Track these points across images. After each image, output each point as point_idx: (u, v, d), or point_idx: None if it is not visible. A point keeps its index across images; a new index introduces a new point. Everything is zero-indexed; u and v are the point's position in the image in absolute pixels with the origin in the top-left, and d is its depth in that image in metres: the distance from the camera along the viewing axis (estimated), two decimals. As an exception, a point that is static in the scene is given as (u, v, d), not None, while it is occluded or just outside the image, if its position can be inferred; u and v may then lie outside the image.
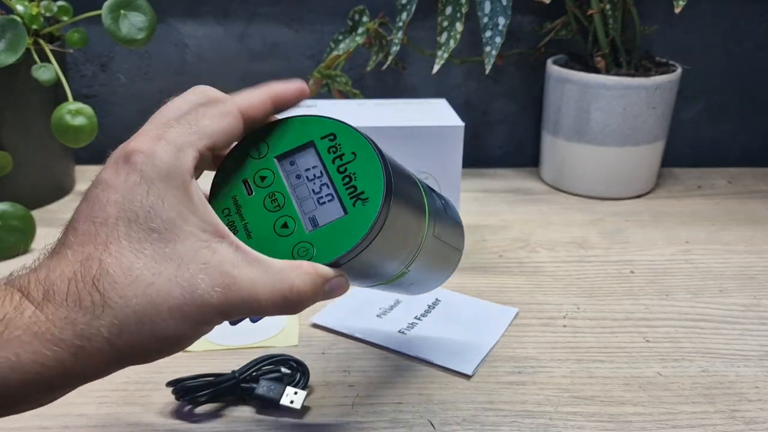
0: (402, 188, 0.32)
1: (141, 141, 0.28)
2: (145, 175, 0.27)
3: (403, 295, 0.51)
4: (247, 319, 0.33)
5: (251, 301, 0.28)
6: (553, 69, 0.78)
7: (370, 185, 0.30)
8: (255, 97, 0.30)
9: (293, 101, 0.32)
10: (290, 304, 0.28)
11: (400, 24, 0.76)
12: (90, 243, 0.26)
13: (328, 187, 0.30)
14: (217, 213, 0.29)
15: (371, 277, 0.34)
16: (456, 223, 0.42)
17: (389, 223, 0.30)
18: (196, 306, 0.26)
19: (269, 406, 0.43)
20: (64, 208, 0.74)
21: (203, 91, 0.31)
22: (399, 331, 0.52)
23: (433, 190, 0.39)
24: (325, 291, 0.29)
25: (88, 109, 0.67)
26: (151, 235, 0.26)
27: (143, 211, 0.26)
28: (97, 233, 0.26)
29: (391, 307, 0.55)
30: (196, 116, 0.29)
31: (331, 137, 0.31)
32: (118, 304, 0.25)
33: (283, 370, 0.45)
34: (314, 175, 0.31)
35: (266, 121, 0.32)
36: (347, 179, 0.30)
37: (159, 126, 0.28)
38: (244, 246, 0.28)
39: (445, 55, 0.74)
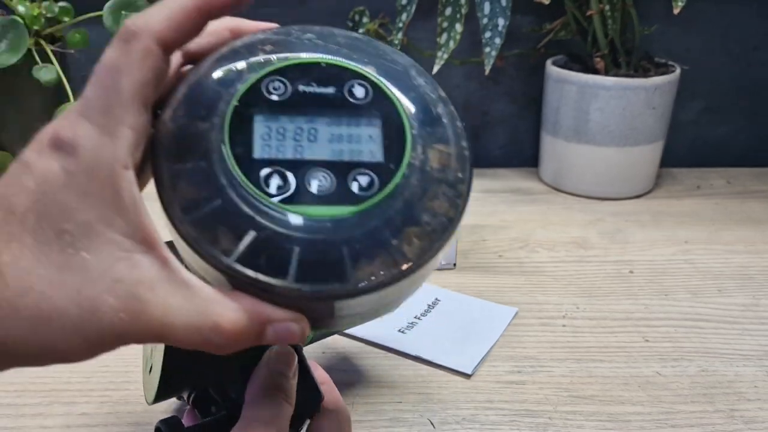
0: None
1: (66, 124, 0.23)
2: (66, 166, 0.23)
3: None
4: None
5: (163, 332, 0.23)
6: (553, 70, 0.78)
7: None
8: (177, 13, 0.24)
9: (234, 7, 0.26)
10: (212, 343, 0.23)
11: (400, 25, 0.76)
12: None
13: None
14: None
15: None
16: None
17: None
18: (94, 330, 0.22)
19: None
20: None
21: (124, 28, 0.25)
22: (399, 331, 0.52)
23: None
24: (266, 336, 0.24)
25: (88, 109, 0.67)
26: (62, 237, 0.22)
27: (57, 208, 0.22)
28: (3, 220, 0.22)
29: (391, 307, 0.55)
30: (117, 72, 0.24)
31: None
32: (5, 312, 0.22)
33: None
34: None
35: (196, 36, 0.25)
36: None
37: (83, 99, 0.24)
38: (173, 262, 0.23)
39: (445, 56, 0.74)
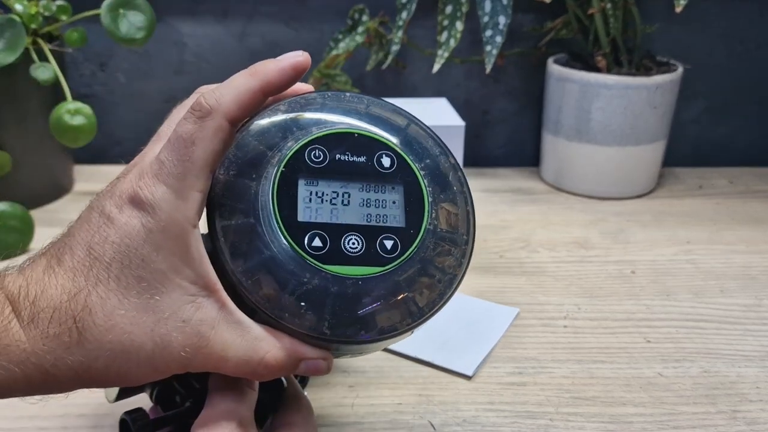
0: None
1: (145, 186, 0.27)
2: (146, 224, 0.27)
3: None
4: None
5: (219, 363, 0.28)
6: (554, 68, 0.78)
7: None
8: (245, 96, 0.28)
9: (290, 84, 0.29)
10: (257, 374, 0.28)
11: (400, 23, 0.76)
12: (82, 275, 0.27)
13: None
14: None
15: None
16: None
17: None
18: (164, 361, 0.27)
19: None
20: (62, 208, 0.74)
21: (198, 104, 0.28)
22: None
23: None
24: (299, 369, 0.29)
25: (86, 108, 0.67)
26: (140, 284, 0.27)
27: (137, 259, 0.27)
28: (91, 267, 0.27)
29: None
30: (192, 144, 0.27)
31: None
32: (93, 345, 0.26)
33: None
34: None
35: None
36: None
37: (159, 162, 0.27)
38: (230, 305, 0.28)
39: (446, 55, 0.74)
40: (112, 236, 0.27)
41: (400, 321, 0.29)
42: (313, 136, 0.31)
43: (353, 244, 0.30)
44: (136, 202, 0.27)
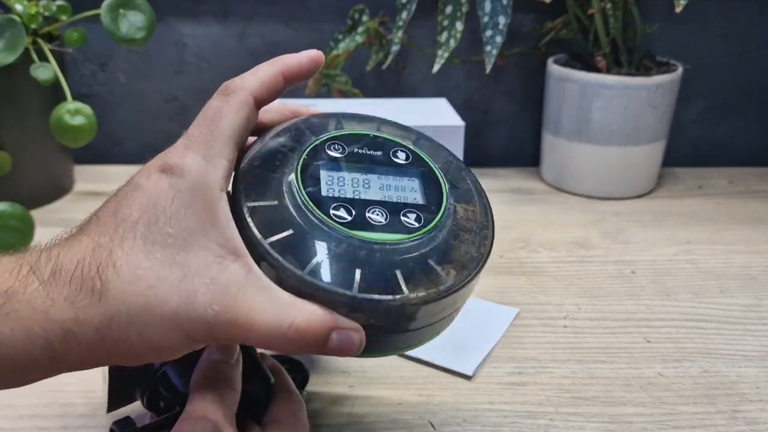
0: None
1: (174, 154, 0.28)
2: (174, 185, 0.27)
3: None
4: None
5: (246, 327, 0.27)
6: (554, 68, 0.78)
7: None
8: (268, 78, 0.31)
9: (307, 74, 0.32)
10: (287, 340, 0.27)
11: (400, 23, 0.76)
12: (107, 234, 0.27)
13: None
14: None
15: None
16: None
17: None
18: (189, 319, 0.26)
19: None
20: (63, 208, 0.74)
21: (224, 86, 0.31)
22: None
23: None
24: (331, 341, 0.27)
25: (87, 108, 0.67)
26: (167, 240, 0.26)
27: (165, 217, 0.27)
28: (116, 227, 0.27)
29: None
30: (219, 117, 0.29)
31: None
32: (115, 297, 0.26)
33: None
34: None
35: (279, 96, 0.32)
36: None
37: (187, 136, 0.29)
38: (256, 270, 0.27)
39: (446, 55, 0.74)
40: (140, 198, 0.27)
41: (427, 290, 0.28)
42: (332, 134, 0.33)
43: (377, 215, 0.30)
44: (165, 168, 0.28)
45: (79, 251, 0.27)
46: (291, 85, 0.32)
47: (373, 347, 0.29)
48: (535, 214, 0.75)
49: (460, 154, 0.61)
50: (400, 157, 0.33)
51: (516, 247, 0.66)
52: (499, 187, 0.82)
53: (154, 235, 0.26)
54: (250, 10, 0.82)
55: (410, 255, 0.29)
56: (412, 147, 0.34)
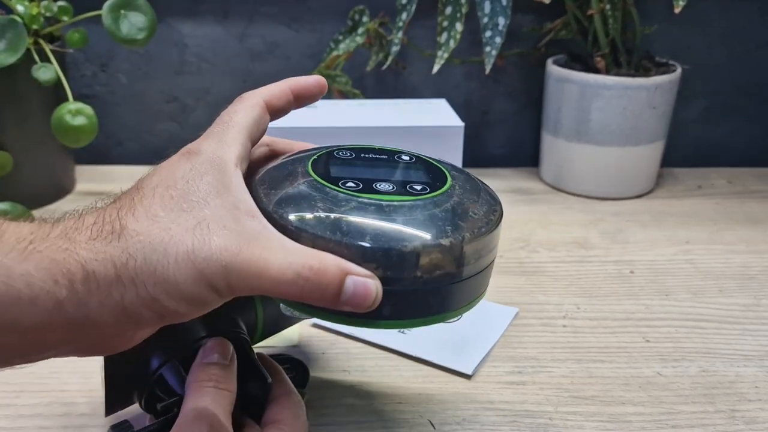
0: None
1: (193, 143, 0.31)
2: (191, 160, 0.30)
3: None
4: None
5: (260, 272, 0.27)
6: (553, 69, 0.78)
7: None
8: (277, 89, 0.35)
9: (313, 94, 0.36)
10: (299, 287, 0.27)
11: (400, 24, 0.76)
12: (129, 195, 0.29)
13: None
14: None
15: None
16: None
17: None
18: (203, 259, 0.27)
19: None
20: (64, 208, 0.73)
21: (239, 97, 0.35)
22: (399, 331, 0.52)
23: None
24: (346, 288, 0.27)
25: (88, 109, 0.67)
26: (183, 197, 0.28)
27: (182, 182, 0.29)
28: (138, 189, 0.29)
29: (391, 307, 0.55)
30: (234, 113, 0.33)
31: None
32: (132, 236, 0.27)
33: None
34: None
35: (288, 111, 0.36)
36: None
37: (205, 133, 0.32)
38: (271, 228, 0.29)
39: (445, 55, 0.74)
40: (159, 172, 0.30)
41: (436, 246, 0.29)
42: (339, 146, 0.37)
43: (385, 186, 0.32)
44: (184, 153, 0.31)
45: (99, 209, 0.29)
46: (299, 103, 0.36)
47: (393, 312, 0.30)
48: (535, 214, 0.75)
49: (459, 155, 0.61)
50: (405, 159, 0.36)
51: (515, 247, 0.67)
52: (498, 187, 0.82)
53: (172, 197, 0.28)
54: (250, 11, 0.82)
55: (419, 211, 0.31)
56: (415, 153, 0.37)
